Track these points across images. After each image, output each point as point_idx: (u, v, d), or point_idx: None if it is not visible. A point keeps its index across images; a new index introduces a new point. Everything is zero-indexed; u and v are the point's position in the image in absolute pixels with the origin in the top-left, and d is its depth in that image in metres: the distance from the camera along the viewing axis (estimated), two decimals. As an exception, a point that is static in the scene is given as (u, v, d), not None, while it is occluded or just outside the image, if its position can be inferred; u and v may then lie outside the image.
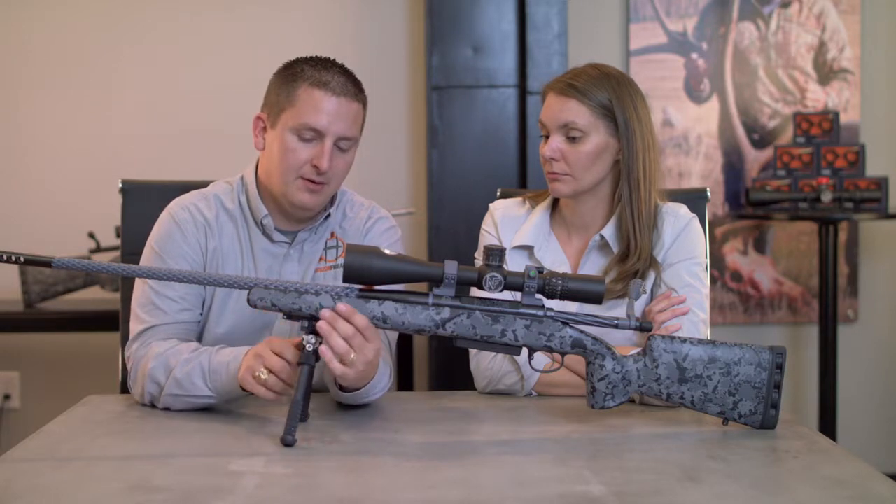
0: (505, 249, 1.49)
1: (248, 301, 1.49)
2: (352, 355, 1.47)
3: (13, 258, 1.45)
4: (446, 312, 1.49)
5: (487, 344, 1.51)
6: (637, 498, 1.23)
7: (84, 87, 3.41)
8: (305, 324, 1.49)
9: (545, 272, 1.49)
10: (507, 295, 1.59)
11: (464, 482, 1.30)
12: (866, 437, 3.51)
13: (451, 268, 1.47)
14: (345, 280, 1.47)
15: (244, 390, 1.59)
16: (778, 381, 1.53)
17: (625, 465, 1.38)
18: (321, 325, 1.47)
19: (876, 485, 1.29)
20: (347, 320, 1.47)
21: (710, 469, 1.36)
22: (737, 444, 1.48)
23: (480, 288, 1.48)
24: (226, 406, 1.67)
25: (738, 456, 1.41)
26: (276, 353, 1.53)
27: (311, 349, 1.48)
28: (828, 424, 3.16)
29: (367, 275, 1.46)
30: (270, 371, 1.52)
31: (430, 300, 1.49)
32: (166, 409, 1.66)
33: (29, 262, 1.46)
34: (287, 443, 1.44)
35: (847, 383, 3.44)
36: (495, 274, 1.47)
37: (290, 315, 1.49)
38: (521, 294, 1.50)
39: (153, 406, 1.68)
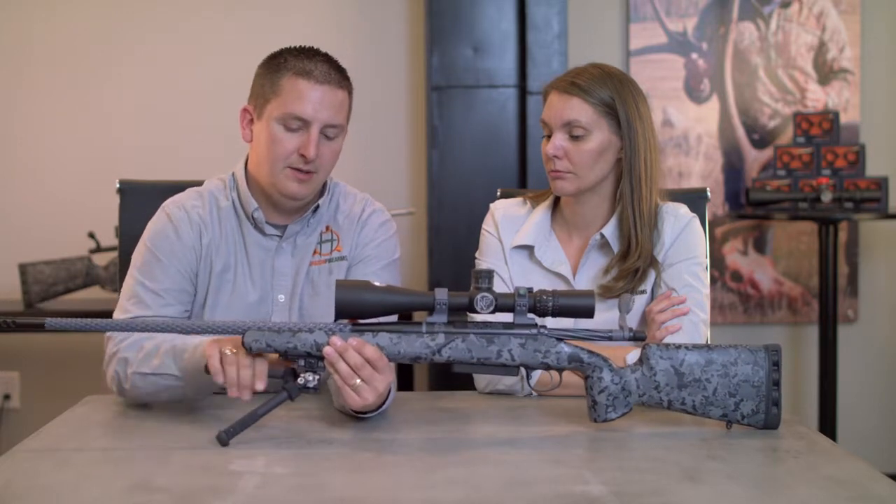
0: (493, 271, 1.50)
1: (243, 345, 1.48)
2: (357, 381, 1.48)
3: (4, 323, 1.45)
4: (441, 338, 1.49)
5: (484, 367, 1.51)
6: (637, 498, 1.23)
7: (84, 87, 3.41)
8: (302, 362, 1.49)
9: (535, 290, 1.49)
10: (501, 319, 1.59)
11: (464, 482, 1.30)
12: (866, 437, 3.51)
13: (441, 294, 1.48)
14: (337, 316, 1.47)
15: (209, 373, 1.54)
16: (776, 379, 1.53)
17: (625, 465, 1.38)
18: (328, 352, 1.47)
19: (876, 485, 1.29)
20: (358, 352, 1.47)
21: (710, 469, 1.36)
22: (737, 444, 1.48)
23: (472, 311, 1.48)
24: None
25: (738, 456, 1.41)
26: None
27: (311, 385, 1.48)
28: (828, 424, 3.16)
29: (359, 309, 1.47)
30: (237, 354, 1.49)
31: (424, 328, 1.50)
32: (133, 396, 1.66)
33: (21, 328, 1.46)
34: (221, 441, 1.45)
35: (847, 383, 3.43)
36: (486, 294, 1.47)
37: (286, 355, 1.49)
38: (513, 315, 1.50)
39: (120, 393, 1.69)
